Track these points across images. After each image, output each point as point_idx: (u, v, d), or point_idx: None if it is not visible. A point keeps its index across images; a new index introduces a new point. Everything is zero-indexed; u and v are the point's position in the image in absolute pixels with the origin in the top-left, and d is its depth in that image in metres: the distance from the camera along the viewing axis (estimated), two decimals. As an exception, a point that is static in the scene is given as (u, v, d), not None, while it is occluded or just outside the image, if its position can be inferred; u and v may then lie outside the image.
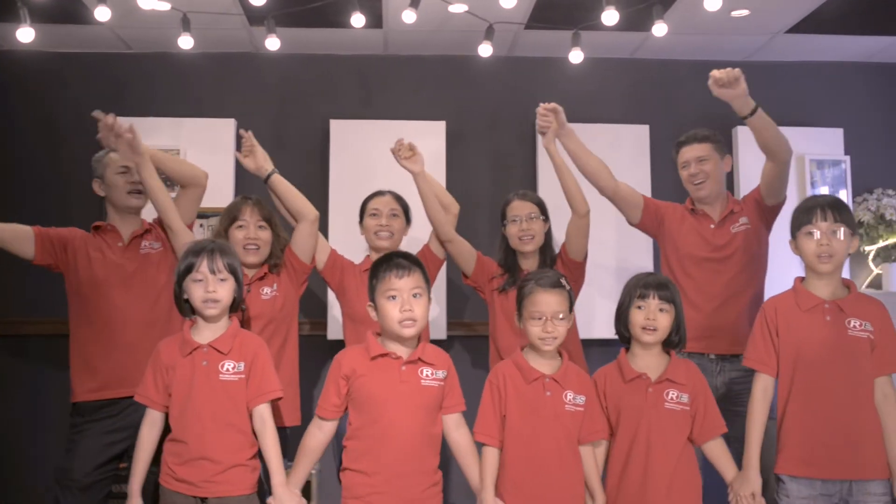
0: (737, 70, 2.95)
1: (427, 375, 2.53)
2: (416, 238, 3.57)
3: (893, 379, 2.66)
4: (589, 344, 3.55)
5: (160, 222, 3.16)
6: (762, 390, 2.69)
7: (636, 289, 2.68)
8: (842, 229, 2.63)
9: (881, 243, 4.49)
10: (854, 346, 2.61)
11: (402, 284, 2.50)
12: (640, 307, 2.65)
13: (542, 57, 4.61)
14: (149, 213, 3.23)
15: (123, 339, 3.03)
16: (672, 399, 2.60)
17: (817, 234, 2.64)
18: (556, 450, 2.54)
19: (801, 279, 2.75)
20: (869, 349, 2.62)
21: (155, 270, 3.13)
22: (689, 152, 3.34)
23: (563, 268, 3.33)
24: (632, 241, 4.23)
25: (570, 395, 2.59)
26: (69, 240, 3.12)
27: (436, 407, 2.55)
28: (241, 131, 3.23)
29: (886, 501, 2.56)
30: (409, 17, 3.62)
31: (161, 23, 4.00)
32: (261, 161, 3.16)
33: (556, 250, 3.40)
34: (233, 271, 2.61)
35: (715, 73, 2.97)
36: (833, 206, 2.65)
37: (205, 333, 2.59)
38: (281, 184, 3.16)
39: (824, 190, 4.53)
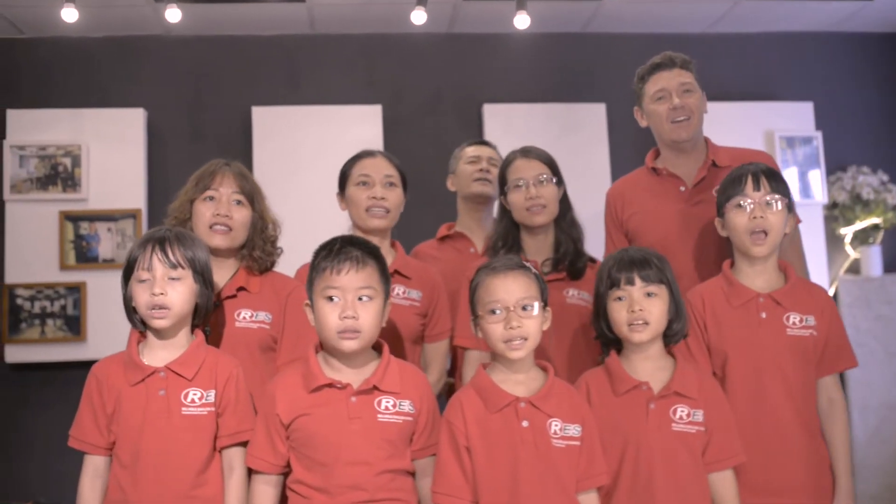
0: None
1: (387, 408, 1.92)
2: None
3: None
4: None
5: None
6: None
7: (610, 274, 2.03)
8: (778, 200, 2.14)
9: (858, 225, 4.16)
10: (794, 348, 2.11)
11: (346, 282, 1.90)
12: (619, 298, 2.00)
13: (485, 33, 4.21)
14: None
15: None
16: (682, 418, 1.96)
17: (749, 206, 2.14)
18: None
19: (731, 263, 2.23)
20: (812, 350, 2.13)
21: None
22: (670, 79, 2.45)
23: None
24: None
25: (556, 425, 1.89)
26: None
27: (402, 443, 1.94)
28: None
29: None
30: (328, -17, 3.17)
31: (52, 1, 3.52)
32: None
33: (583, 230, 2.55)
34: (195, 266, 1.99)
35: None
36: (767, 174, 2.16)
37: (158, 353, 1.98)
38: None
39: (794, 170, 4.18)
